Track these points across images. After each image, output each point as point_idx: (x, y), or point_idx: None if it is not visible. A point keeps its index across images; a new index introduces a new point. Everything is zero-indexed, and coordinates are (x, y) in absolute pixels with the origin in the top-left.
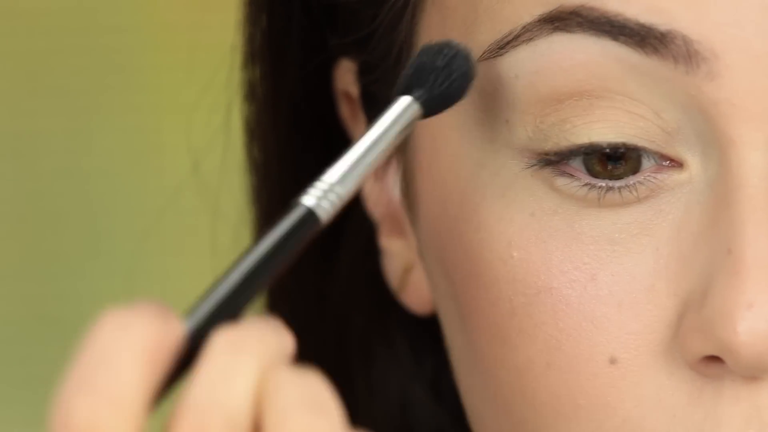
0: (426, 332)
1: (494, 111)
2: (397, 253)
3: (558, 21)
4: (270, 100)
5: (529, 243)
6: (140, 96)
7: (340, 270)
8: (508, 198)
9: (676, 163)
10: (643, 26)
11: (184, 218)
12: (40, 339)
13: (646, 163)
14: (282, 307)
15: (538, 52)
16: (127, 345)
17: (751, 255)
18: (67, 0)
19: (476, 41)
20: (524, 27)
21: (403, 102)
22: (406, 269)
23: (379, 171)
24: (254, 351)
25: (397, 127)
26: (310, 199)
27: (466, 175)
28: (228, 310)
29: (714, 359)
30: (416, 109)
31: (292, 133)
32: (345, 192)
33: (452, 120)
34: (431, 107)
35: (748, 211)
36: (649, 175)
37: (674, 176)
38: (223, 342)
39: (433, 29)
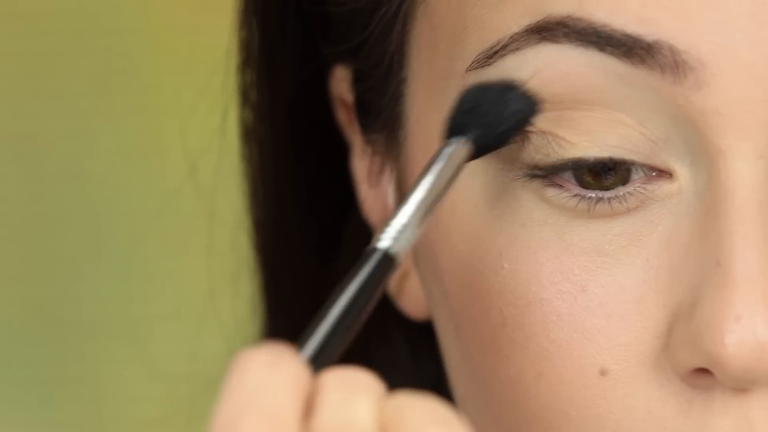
0: (428, 336)
1: None
2: None
3: (545, 31)
4: (265, 104)
5: (520, 254)
6: (142, 98)
7: (338, 275)
8: (498, 209)
9: (665, 174)
10: (629, 36)
11: (187, 220)
12: (41, 340)
13: (635, 175)
14: (281, 311)
15: (525, 61)
16: (281, 379)
17: (740, 267)
18: (69, 2)
19: (465, 50)
20: (512, 37)
21: (457, 145)
22: (403, 276)
23: (373, 177)
24: (364, 384)
25: (450, 171)
26: (384, 242)
27: (457, 185)
28: (325, 355)
29: (704, 371)
30: (468, 149)
31: (287, 137)
32: (417, 233)
33: (443, 130)
34: (483, 147)
35: (736, 222)
36: (639, 186)
37: (664, 187)
38: (335, 379)
39: (423, 38)
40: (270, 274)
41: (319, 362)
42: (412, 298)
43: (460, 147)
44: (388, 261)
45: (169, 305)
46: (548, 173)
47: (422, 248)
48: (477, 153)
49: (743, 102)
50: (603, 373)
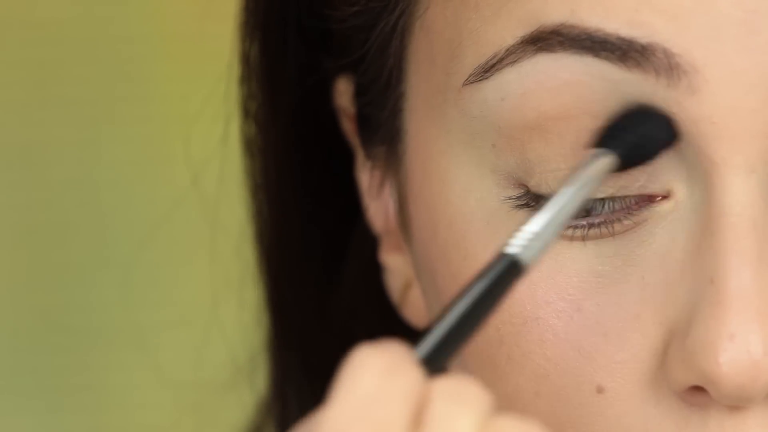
0: None
1: (481, 134)
2: (397, 269)
3: (540, 41)
4: (266, 116)
5: None
6: (150, 106)
7: (343, 285)
8: (492, 226)
9: (660, 197)
10: (624, 40)
11: (192, 227)
12: (47, 348)
13: (628, 200)
14: (285, 320)
15: (523, 73)
16: (397, 391)
17: (734, 285)
18: (77, 10)
19: (462, 64)
20: (508, 50)
21: (600, 157)
22: (406, 285)
23: (374, 190)
24: (472, 400)
25: (593, 182)
26: (514, 248)
27: (454, 200)
28: (440, 357)
29: (699, 389)
30: (610, 161)
31: (289, 148)
32: (549, 240)
33: (441, 144)
34: (626, 160)
35: (731, 240)
36: (633, 210)
37: (657, 208)
38: (444, 391)
39: (420, 53)
40: (274, 282)
41: (433, 364)
42: (415, 308)
43: (604, 160)
44: (515, 267)
45: (175, 312)
46: (537, 201)
47: (421, 261)
48: (620, 167)
49: (735, 111)
50: (600, 390)
